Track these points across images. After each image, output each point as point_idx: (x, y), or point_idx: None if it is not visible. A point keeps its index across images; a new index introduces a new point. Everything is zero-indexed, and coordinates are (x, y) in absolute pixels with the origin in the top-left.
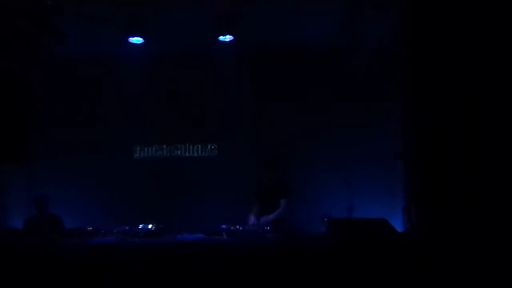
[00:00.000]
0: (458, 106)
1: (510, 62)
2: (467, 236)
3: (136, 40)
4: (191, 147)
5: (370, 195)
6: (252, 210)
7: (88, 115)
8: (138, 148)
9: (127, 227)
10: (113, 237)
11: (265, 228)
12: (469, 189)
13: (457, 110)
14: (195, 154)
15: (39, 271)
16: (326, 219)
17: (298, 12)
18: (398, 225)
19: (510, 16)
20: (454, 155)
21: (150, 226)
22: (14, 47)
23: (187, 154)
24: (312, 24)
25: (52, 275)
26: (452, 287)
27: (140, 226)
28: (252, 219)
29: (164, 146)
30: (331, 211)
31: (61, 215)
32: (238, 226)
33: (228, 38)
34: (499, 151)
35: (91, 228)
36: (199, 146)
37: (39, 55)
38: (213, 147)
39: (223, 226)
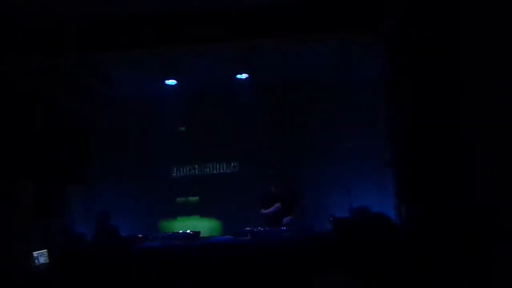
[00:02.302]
0: (432, 125)
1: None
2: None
3: (171, 82)
4: (217, 165)
5: (366, 198)
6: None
7: (134, 144)
8: (175, 169)
9: (171, 233)
10: (159, 242)
11: (282, 228)
12: (446, 190)
13: (432, 128)
14: (221, 171)
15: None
16: (331, 218)
17: (299, 51)
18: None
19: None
20: (433, 163)
21: (188, 231)
22: (77, 91)
23: (214, 171)
24: (312, 60)
25: (114, 274)
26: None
27: (180, 231)
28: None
29: (196, 166)
30: (335, 212)
31: (118, 225)
32: (260, 228)
33: (244, 76)
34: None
35: (141, 235)
36: (224, 164)
37: (95, 97)
38: (235, 164)
39: (247, 228)
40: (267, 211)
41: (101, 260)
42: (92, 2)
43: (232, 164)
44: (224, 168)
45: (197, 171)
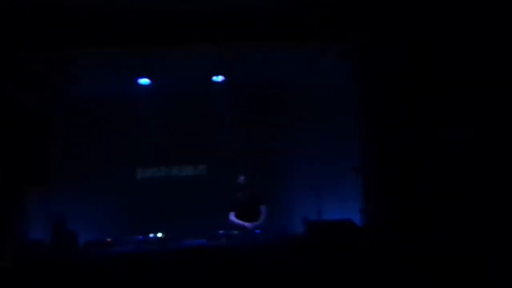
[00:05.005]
0: (400, 131)
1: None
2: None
3: (144, 81)
4: (184, 167)
5: (333, 200)
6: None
7: (99, 144)
8: (140, 170)
9: (141, 237)
10: (130, 246)
11: (256, 231)
12: (408, 193)
13: (399, 134)
14: (188, 174)
15: (66, 278)
16: (305, 221)
17: (274, 56)
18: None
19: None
20: (397, 168)
21: (159, 234)
22: (37, 88)
23: (181, 174)
24: (286, 65)
25: (78, 281)
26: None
27: (151, 235)
28: (240, 221)
29: (162, 168)
30: (305, 214)
31: (78, 229)
32: (234, 231)
33: (220, 78)
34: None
35: (109, 239)
36: (191, 166)
37: (58, 94)
38: (202, 167)
39: (221, 231)
40: (235, 221)
41: (59, 268)
42: None
43: (200, 167)
44: (192, 171)
45: (163, 173)
